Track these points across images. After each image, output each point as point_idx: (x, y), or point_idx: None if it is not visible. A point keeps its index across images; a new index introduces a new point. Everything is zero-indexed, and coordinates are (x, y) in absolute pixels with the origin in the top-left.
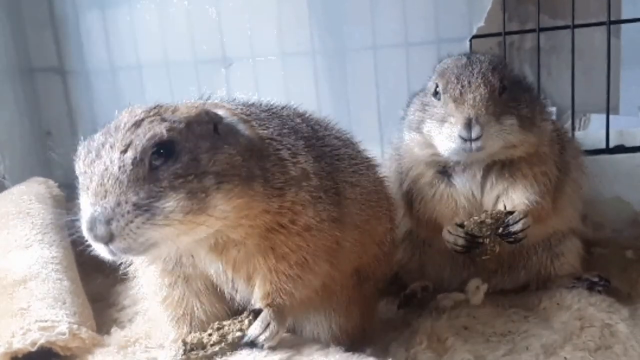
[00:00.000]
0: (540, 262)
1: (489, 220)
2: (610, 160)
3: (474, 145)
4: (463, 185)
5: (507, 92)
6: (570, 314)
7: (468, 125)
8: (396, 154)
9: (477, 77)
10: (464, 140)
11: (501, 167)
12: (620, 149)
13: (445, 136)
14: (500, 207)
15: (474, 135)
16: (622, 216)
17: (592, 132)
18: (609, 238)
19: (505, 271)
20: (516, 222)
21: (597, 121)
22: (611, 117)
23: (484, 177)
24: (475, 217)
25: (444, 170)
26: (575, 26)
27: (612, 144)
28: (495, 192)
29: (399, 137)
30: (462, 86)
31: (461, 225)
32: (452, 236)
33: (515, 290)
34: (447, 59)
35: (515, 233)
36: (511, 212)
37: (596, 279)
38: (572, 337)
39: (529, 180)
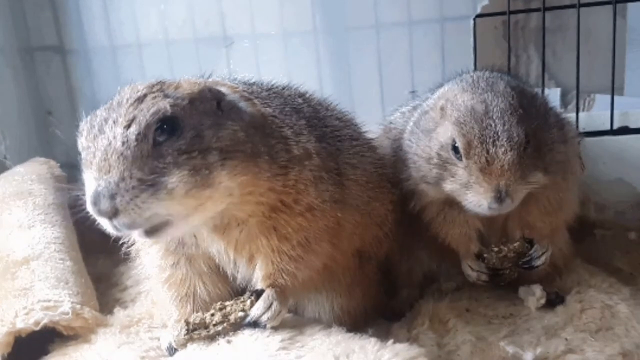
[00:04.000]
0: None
1: (511, 255)
2: (614, 142)
3: (502, 208)
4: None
5: (531, 144)
6: (570, 297)
7: (499, 198)
8: (394, 145)
9: (502, 139)
10: (492, 209)
11: None
12: (625, 131)
13: (471, 203)
14: (512, 230)
15: (504, 208)
16: (625, 198)
17: (596, 113)
18: (611, 220)
19: None
20: (539, 257)
21: (601, 102)
22: (616, 98)
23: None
24: (495, 249)
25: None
26: (581, 5)
27: (616, 125)
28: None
29: (393, 126)
30: (488, 152)
31: (479, 256)
32: (474, 272)
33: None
34: (457, 92)
35: (537, 266)
36: (530, 241)
37: (552, 297)
38: (573, 319)
39: (542, 202)
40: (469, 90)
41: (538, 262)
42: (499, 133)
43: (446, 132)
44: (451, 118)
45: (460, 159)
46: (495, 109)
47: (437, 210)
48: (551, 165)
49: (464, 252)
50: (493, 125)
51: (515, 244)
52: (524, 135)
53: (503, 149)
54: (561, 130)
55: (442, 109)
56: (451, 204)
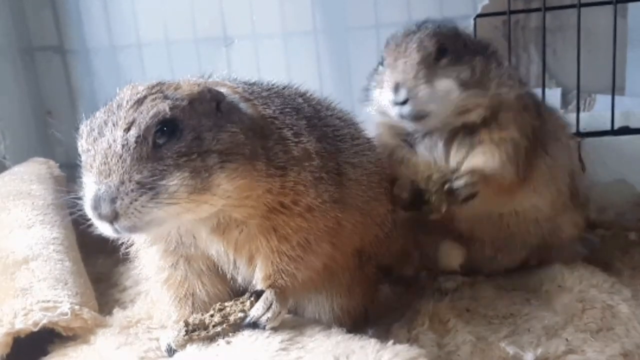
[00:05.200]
0: (537, 237)
1: (435, 175)
2: (615, 142)
3: (405, 110)
4: (425, 152)
5: (448, 57)
6: (572, 296)
7: (396, 89)
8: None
9: (411, 43)
10: (395, 104)
11: (463, 134)
12: (625, 131)
13: (382, 102)
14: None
15: (399, 99)
16: (626, 198)
17: (597, 113)
18: (612, 220)
19: (505, 253)
20: (459, 178)
21: (602, 102)
22: (617, 98)
23: (447, 144)
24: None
25: (407, 139)
26: (581, 5)
27: (617, 126)
28: (457, 159)
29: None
30: (398, 52)
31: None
32: (398, 189)
33: (516, 270)
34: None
35: (458, 189)
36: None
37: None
38: (574, 318)
39: (487, 146)
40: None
41: (459, 183)
42: (412, 39)
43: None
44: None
45: (383, 65)
46: (422, 29)
47: (392, 154)
48: (473, 82)
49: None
50: (412, 35)
51: (442, 167)
52: (435, 44)
53: (410, 49)
54: (512, 82)
55: None
56: (403, 145)
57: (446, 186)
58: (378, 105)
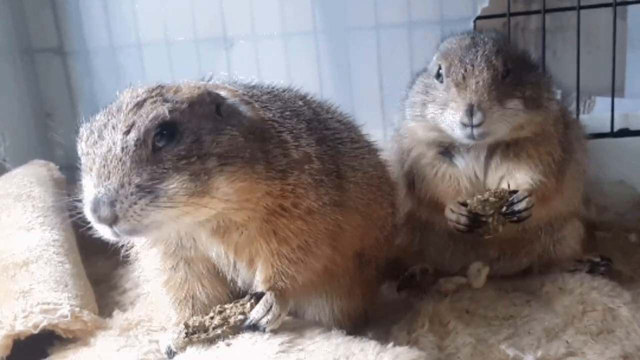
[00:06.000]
0: (543, 247)
1: (492, 199)
2: (614, 144)
3: (476, 131)
4: (466, 165)
5: (511, 74)
6: (572, 298)
7: (470, 111)
8: (397, 135)
9: (480, 61)
10: (465, 126)
11: (506, 147)
12: (625, 133)
13: (447, 122)
14: (505, 186)
15: (475, 121)
16: (626, 199)
17: (597, 115)
18: (612, 221)
19: (508, 257)
20: (520, 201)
21: (602, 104)
22: (616, 100)
23: (488, 157)
24: (479, 196)
25: (446, 151)
26: (581, 7)
27: (617, 127)
28: (499, 173)
29: (400, 116)
30: (465, 70)
31: (464, 204)
32: (454, 214)
33: (517, 274)
34: (451, 37)
35: (519, 212)
36: (515, 191)
37: (598, 259)
38: (574, 320)
39: (534, 160)
40: (460, 34)
41: (520, 206)
42: (479, 56)
43: (433, 62)
44: (440, 51)
45: (441, 81)
46: (479, 42)
47: (430, 166)
48: (533, 100)
49: (450, 202)
50: (474, 50)
51: (497, 189)
52: (502, 62)
53: (480, 68)
54: (553, 94)
55: (436, 50)
56: (442, 158)
57: (504, 209)
58: (434, 123)
